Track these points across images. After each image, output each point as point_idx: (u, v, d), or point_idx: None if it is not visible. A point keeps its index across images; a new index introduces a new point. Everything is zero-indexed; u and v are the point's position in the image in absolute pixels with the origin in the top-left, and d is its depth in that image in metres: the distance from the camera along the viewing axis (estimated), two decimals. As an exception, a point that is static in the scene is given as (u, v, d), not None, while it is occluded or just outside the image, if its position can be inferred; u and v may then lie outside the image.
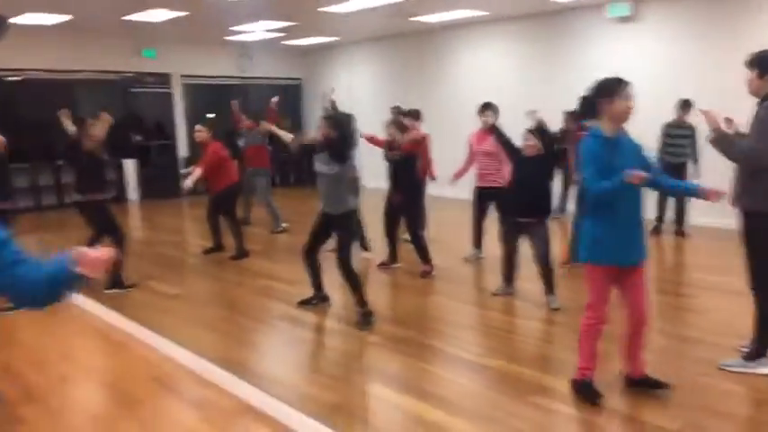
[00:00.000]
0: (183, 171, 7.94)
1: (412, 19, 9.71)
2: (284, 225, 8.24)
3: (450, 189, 6.67)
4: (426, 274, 5.83)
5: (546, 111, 8.00)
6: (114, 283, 5.62)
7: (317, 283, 5.03)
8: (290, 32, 10.87)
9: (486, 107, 5.89)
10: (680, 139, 7.20)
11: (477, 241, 6.36)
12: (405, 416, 3.25)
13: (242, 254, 6.83)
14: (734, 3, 7.74)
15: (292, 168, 13.17)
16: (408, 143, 5.84)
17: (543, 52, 9.73)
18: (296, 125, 13.34)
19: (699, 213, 7.43)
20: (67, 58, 10.59)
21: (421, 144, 6.35)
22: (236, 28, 10.28)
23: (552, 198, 5.00)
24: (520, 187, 4.87)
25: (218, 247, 7.09)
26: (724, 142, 3.42)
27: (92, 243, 5.94)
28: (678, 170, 7.02)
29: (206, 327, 4.74)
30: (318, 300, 5.05)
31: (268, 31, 10.64)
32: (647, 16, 8.51)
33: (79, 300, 5.34)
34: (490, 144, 5.76)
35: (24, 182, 10.54)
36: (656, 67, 8.32)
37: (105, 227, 5.70)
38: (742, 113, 3.63)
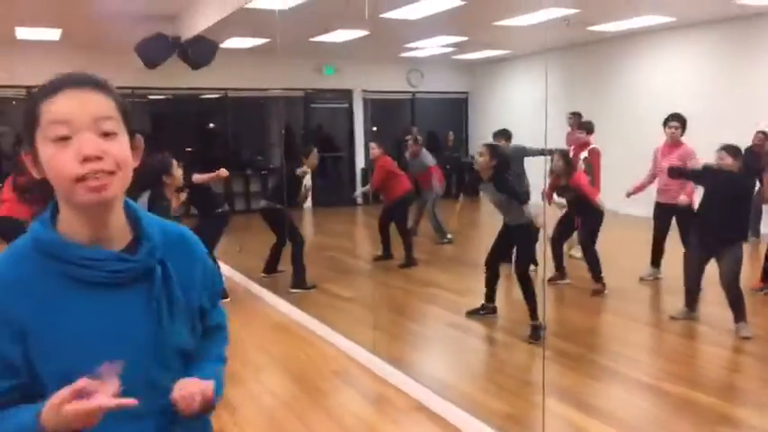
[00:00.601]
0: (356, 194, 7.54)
1: (590, 29, 9.46)
2: (449, 236, 8.39)
3: (626, 205, 6.40)
4: (598, 293, 5.65)
5: (736, 124, 7.46)
6: (298, 283, 6.12)
7: (490, 294, 5.09)
8: (460, 47, 11.09)
9: (673, 119, 5.59)
10: None
11: (656, 260, 6.04)
12: (578, 432, 3.22)
13: (410, 263, 7.08)
14: None
15: (455, 180, 13.35)
16: (577, 184, 5.66)
17: (737, 60, 8.98)
18: (460, 139, 13.52)
19: None
20: (260, 77, 11.64)
21: (593, 165, 6.24)
22: (410, 45, 10.70)
23: (748, 220, 4.62)
24: (709, 207, 4.57)
25: (387, 255, 7.41)
26: None
27: (276, 251, 6.56)
28: None
29: (378, 328, 4.99)
30: (487, 311, 5.11)
31: (440, 46, 10.95)
32: None
33: (270, 298, 5.90)
34: (676, 158, 5.48)
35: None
36: None
37: (285, 233, 6.26)
38: None
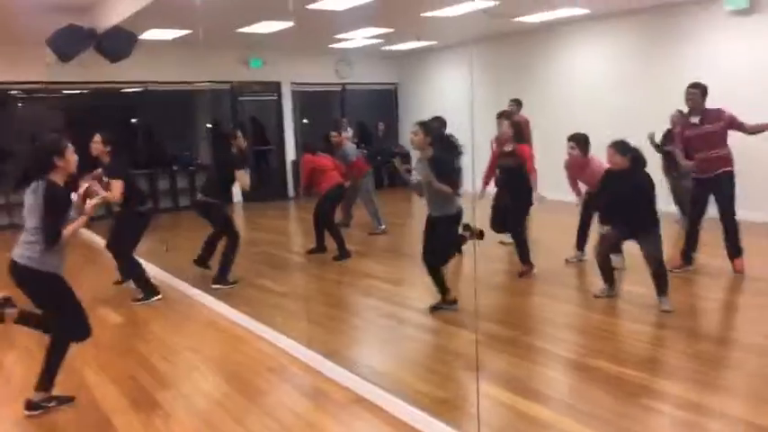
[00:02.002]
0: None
1: (513, 20, 9.68)
2: (382, 227, 8.43)
3: (552, 191, 6.60)
4: (524, 274, 5.81)
5: (653, 110, 7.80)
6: (220, 279, 5.99)
7: (443, 287, 4.99)
8: (388, 38, 11.12)
9: (570, 139, 5.77)
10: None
11: (581, 243, 6.27)
12: (512, 412, 3.30)
13: (343, 255, 7.06)
14: None
15: (386, 171, 13.42)
16: (521, 153, 5.79)
17: (650, 49, 9.39)
18: (391, 129, 13.58)
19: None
20: (184, 70, 11.30)
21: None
22: (338, 36, 10.64)
23: (654, 210, 4.80)
24: (616, 207, 4.76)
25: (320, 248, 7.36)
26: None
27: (212, 241, 6.39)
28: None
29: (314, 322, 4.97)
30: (448, 303, 4.98)
31: (368, 38, 10.93)
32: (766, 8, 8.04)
33: (201, 297, 5.75)
34: (588, 176, 5.69)
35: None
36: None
37: (223, 225, 6.13)
38: None
